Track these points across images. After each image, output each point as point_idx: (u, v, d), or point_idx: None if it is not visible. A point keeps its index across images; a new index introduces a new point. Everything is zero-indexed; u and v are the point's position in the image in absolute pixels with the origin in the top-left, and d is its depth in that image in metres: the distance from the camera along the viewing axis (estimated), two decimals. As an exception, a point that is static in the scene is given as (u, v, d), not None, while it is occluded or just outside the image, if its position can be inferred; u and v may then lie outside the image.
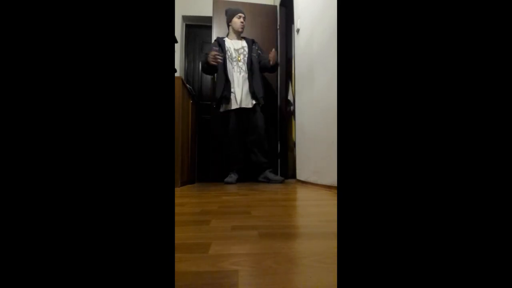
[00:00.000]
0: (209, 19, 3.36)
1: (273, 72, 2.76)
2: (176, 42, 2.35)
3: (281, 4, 3.15)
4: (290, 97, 2.68)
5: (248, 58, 2.62)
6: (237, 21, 2.66)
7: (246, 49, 2.67)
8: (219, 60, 2.41)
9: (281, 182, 2.39)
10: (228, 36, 2.72)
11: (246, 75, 2.58)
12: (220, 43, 2.64)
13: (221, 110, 2.56)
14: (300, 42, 2.43)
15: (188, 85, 2.39)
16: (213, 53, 2.40)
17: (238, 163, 2.56)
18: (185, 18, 3.60)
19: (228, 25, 2.69)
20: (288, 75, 3.07)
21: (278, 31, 3.15)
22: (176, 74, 2.76)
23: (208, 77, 3.69)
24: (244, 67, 2.61)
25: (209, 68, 2.53)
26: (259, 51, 2.69)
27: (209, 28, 3.41)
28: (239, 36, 2.71)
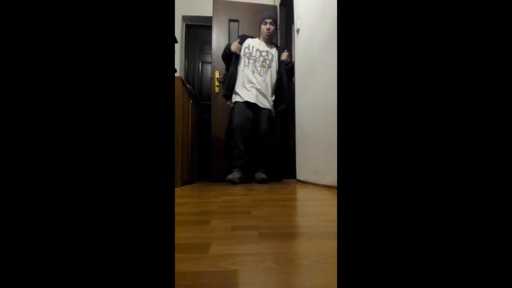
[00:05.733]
0: (209, 19, 3.36)
1: (291, 76, 2.70)
2: (176, 42, 2.35)
3: (281, 4, 3.15)
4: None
5: (274, 67, 2.59)
6: (263, 28, 2.62)
7: (275, 58, 2.62)
8: (237, 51, 2.50)
9: (266, 182, 2.40)
10: (259, 38, 2.68)
11: (263, 80, 2.52)
12: (241, 40, 2.62)
13: (229, 103, 2.58)
14: (300, 42, 2.43)
15: (188, 85, 2.39)
16: (237, 45, 2.49)
17: (240, 158, 2.43)
18: (185, 18, 3.60)
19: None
20: (288, 75, 3.06)
21: (278, 31, 3.15)
22: (176, 74, 2.76)
23: (208, 77, 3.69)
24: (263, 72, 2.54)
25: (227, 56, 2.58)
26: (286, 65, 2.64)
27: (209, 28, 3.41)
28: (268, 42, 2.65)
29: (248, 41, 2.62)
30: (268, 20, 2.62)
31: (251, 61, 2.55)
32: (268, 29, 2.61)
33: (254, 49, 2.59)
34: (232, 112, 2.53)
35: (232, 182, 2.31)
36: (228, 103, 2.62)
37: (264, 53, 2.59)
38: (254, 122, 2.48)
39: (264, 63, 2.56)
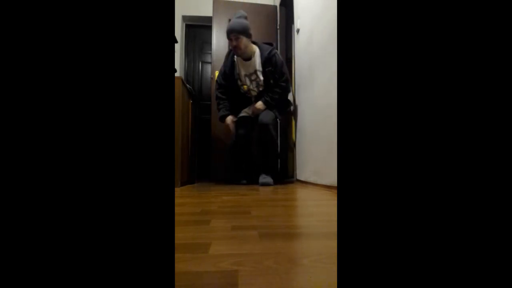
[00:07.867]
0: (209, 19, 3.37)
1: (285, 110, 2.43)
2: (176, 42, 2.35)
3: (281, 4, 3.15)
4: (290, 97, 2.68)
5: (261, 88, 2.24)
6: (230, 44, 2.17)
7: (260, 74, 2.20)
8: (230, 131, 2.29)
9: (271, 184, 2.17)
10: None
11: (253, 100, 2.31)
12: (230, 67, 2.27)
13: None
14: (300, 42, 2.43)
15: (188, 85, 2.39)
16: (229, 123, 2.26)
17: (243, 171, 2.43)
18: (185, 18, 3.60)
19: None
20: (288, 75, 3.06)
21: (278, 31, 3.15)
22: (176, 74, 2.76)
23: (208, 77, 3.69)
24: (255, 93, 2.29)
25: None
26: (272, 70, 2.17)
27: (209, 28, 3.42)
28: (244, 56, 2.20)
29: (238, 66, 2.27)
30: (233, 35, 2.10)
31: (247, 89, 2.33)
32: (234, 46, 2.11)
33: (242, 75, 2.28)
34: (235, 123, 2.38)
35: (244, 184, 2.35)
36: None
37: (253, 76, 2.27)
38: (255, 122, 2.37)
39: (253, 89, 2.30)
